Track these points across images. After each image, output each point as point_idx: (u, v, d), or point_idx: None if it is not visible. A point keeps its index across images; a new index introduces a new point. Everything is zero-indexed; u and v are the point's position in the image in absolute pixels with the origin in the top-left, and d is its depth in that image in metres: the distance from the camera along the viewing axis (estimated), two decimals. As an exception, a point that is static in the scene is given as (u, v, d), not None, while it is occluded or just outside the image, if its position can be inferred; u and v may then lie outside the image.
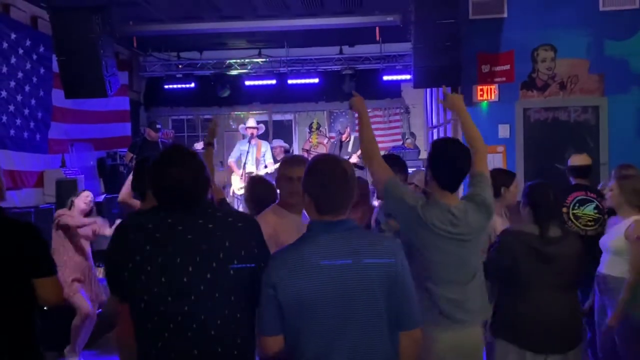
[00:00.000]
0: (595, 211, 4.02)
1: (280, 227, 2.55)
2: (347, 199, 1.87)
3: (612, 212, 3.85)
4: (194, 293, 1.76)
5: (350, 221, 1.89)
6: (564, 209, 4.15)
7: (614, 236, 3.45)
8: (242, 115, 10.44)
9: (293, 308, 1.78)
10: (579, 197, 4.08)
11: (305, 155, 9.66)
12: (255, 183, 3.57)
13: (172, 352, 1.78)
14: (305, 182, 1.89)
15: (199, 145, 7.93)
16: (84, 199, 4.79)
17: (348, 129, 8.19)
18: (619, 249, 3.39)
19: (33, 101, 6.41)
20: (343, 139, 8.08)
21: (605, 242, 3.52)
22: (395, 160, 3.11)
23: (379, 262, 1.80)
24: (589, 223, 4.03)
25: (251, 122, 7.90)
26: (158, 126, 7.64)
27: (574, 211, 4.05)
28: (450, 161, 2.48)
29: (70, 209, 4.71)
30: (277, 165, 7.63)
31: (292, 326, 1.81)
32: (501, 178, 3.54)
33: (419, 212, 2.38)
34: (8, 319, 2.25)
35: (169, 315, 1.77)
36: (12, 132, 6.03)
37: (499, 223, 3.45)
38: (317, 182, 1.86)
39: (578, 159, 4.33)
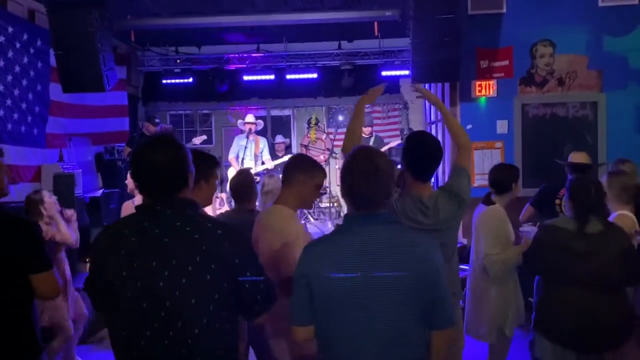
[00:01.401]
0: None
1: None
2: (381, 195, 1.86)
3: None
4: (170, 299, 1.69)
5: (387, 214, 1.90)
6: (557, 201, 4.24)
7: None
8: (240, 111, 10.43)
9: (324, 300, 1.80)
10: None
11: (304, 150, 9.65)
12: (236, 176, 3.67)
13: None
14: (341, 178, 1.91)
15: (197, 140, 7.92)
16: (54, 203, 4.29)
17: (371, 127, 8.06)
18: None
19: (30, 95, 6.39)
20: (365, 134, 7.93)
21: None
22: None
23: (415, 261, 1.78)
24: None
25: (250, 118, 7.89)
26: (157, 120, 7.62)
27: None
28: (421, 153, 2.55)
29: (40, 213, 4.17)
30: (277, 161, 7.70)
31: (323, 319, 1.83)
32: (512, 174, 3.63)
33: (393, 205, 2.46)
34: (9, 312, 2.27)
35: (145, 322, 1.70)
36: (9, 126, 6.02)
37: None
38: (352, 179, 1.87)
39: (578, 157, 4.40)
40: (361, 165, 1.86)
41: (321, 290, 1.80)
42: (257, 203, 3.73)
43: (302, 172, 2.64)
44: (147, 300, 1.70)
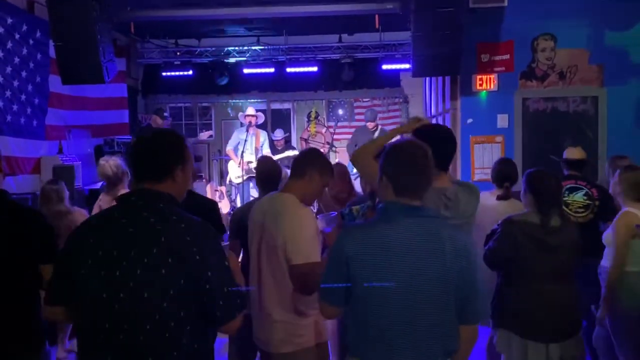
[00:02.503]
0: (585, 197, 4.07)
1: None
2: (425, 182, 1.89)
3: (604, 198, 3.91)
4: (124, 291, 1.64)
5: (430, 209, 1.92)
6: None
7: (610, 229, 3.47)
8: (240, 104, 10.41)
9: (364, 284, 1.81)
10: (569, 185, 4.15)
11: (303, 144, 9.65)
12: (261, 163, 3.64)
13: (106, 356, 1.67)
14: (384, 164, 1.91)
15: (204, 135, 7.91)
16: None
17: (374, 122, 7.87)
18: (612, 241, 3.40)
19: (30, 87, 6.37)
20: (370, 128, 7.85)
21: (605, 235, 3.54)
22: None
23: (454, 256, 1.80)
24: (579, 210, 4.08)
25: (250, 110, 7.86)
26: (165, 114, 7.62)
27: (565, 199, 4.09)
28: (437, 139, 2.49)
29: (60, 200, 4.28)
30: (277, 156, 7.68)
31: (361, 302, 1.83)
32: (516, 167, 3.78)
33: None
34: (17, 301, 2.28)
35: (105, 314, 1.66)
36: (8, 117, 6.00)
37: None
38: (397, 163, 1.88)
39: (573, 152, 4.37)
40: (409, 153, 1.88)
41: (361, 275, 1.81)
42: None
43: (315, 169, 2.63)
44: (107, 291, 1.67)
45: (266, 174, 3.46)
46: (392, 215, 1.87)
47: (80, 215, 4.30)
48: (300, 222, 2.48)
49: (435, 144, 2.47)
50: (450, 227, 1.93)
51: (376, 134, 7.73)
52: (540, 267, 2.82)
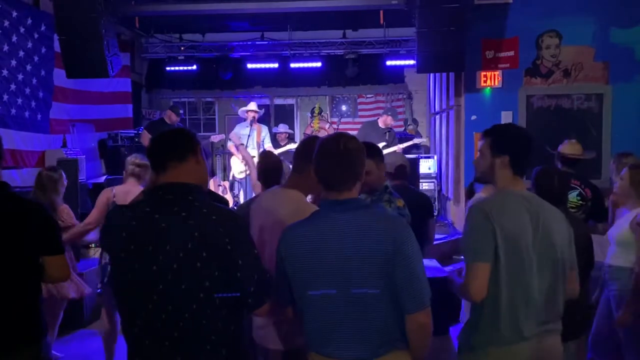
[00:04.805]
0: (578, 198, 4.03)
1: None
2: (349, 174, 1.89)
3: (597, 198, 3.88)
4: (162, 282, 1.73)
5: (359, 200, 1.92)
6: None
7: (620, 228, 3.42)
8: (243, 100, 10.41)
9: (298, 282, 1.87)
10: None
11: (306, 140, 9.60)
12: (264, 158, 3.61)
13: (148, 341, 1.78)
14: (313, 161, 1.94)
15: (215, 138, 7.95)
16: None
17: (390, 118, 7.28)
18: (624, 240, 3.36)
19: (34, 80, 6.39)
20: (385, 125, 7.23)
21: (612, 233, 3.50)
22: (375, 150, 3.10)
23: (384, 244, 1.80)
24: (572, 210, 4.03)
25: (252, 106, 7.86)
26: (180, 111, 7.65)
27: None
28: (529, 143, 2.41)
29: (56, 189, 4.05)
30: (278, 150, 7.68)
31: (299, 299, 1.90)
32: None
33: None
34: (18, 293, 2.29)
35: (141, 303, 1.76)
36: (13, 111, 6.02)
37: None
38: (321, 159, 1.91)
39: (570, 148, 4.22)
40: (331, 148, 1.90)
41: (293, 273, 1.87)
42: None
43: (311, 164, 2.59)
44: (142, 282, 1.76)
45: (268, 168, 3.44)
46: (322, 211, 1.92)
47: (65, 213, 4.11)
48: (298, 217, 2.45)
49: (519, 149, 2.38)
50: (380, 216, 1.93)
51: (387, 136, 7.23)
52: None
